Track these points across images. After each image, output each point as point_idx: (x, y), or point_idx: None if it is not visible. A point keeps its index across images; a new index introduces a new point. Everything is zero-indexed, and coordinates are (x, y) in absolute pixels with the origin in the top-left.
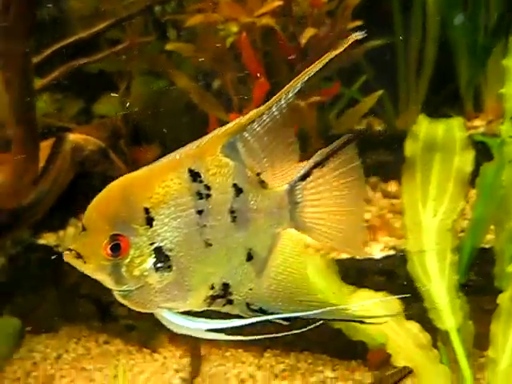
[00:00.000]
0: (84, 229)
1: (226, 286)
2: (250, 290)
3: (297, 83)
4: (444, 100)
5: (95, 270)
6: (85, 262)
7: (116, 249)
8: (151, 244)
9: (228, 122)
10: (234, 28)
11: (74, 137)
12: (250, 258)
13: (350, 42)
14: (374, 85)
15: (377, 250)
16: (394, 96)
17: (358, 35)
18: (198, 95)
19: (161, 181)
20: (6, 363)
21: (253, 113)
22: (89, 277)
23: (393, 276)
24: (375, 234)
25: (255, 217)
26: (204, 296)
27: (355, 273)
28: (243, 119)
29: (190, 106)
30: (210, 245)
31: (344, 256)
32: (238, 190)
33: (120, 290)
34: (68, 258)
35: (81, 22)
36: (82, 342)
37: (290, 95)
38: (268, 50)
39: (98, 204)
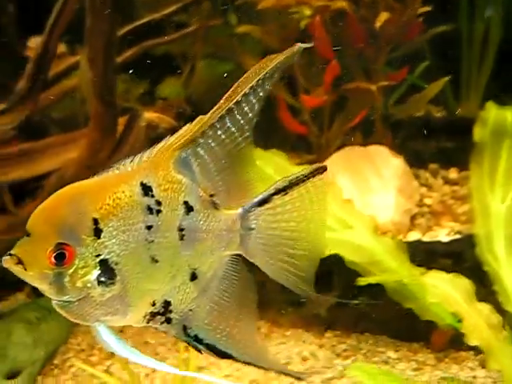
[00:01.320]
0: (28, 234)
1: (167, 303)
2: (190, 310)
3: (243, 88)
4: (504, 87)
5: (36, 278)
6: (25, 269)
7: (60, 258)
8: (97, 256)
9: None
10: (308, 11)
11: (148, 115)
12: (193, 277)
13: (294, 51)
14: (435, 71)
15: (442, 235)
16: (454, 83)
17: (304, 45)
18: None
19: (112, 192)
20: (71, 335)
21: (204, 121)
22: None
23: (460, 259)
24: (439, 219)
25: (203, 237)
26: (144, 312)
27: (423, 255)
28: (194, 127)
29: None
30: (157, 261)
31: (411, 238)
32: (189, 208)
33: (60, 300)
34: (8, 263)
35: (144, 5)
36: None
37: (245, 109)
38: (337, 34)
39: (45, 209)
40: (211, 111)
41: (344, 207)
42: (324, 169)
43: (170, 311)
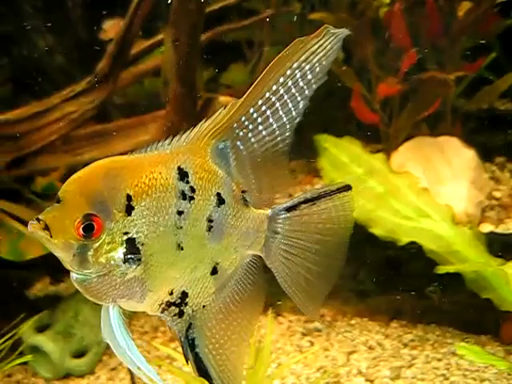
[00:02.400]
0: (58, 200)
1: (184, 294)
2: (204, 307)
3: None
4: None
5: (60, 247)
6: (51, 236)
7: (89, 229)
8: (125, 233)
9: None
10: None
11: (223, 99)
12: (214, 271)
13: (324, 34)
14: (503, 63)
15: None
16: None
17: (336, 30)
18: (337, 67)
19: (149, 172)
20: (134, 317)
21: (238, 106)
22: None
23: None
24: (509, 212)
25: (230, 232)
26: (161, 300)
27: (498, 246)
28: (229, 112)
29: None
30: (182, 249)
31: (487, 229)
32: (221, 201)
33: (79, 273)
34: (34, 228)
35: None
36: None
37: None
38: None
39: (79, 178)
40: (245, 96)
41: (421, 196)
42: (349, 188)
43: (186, 303)
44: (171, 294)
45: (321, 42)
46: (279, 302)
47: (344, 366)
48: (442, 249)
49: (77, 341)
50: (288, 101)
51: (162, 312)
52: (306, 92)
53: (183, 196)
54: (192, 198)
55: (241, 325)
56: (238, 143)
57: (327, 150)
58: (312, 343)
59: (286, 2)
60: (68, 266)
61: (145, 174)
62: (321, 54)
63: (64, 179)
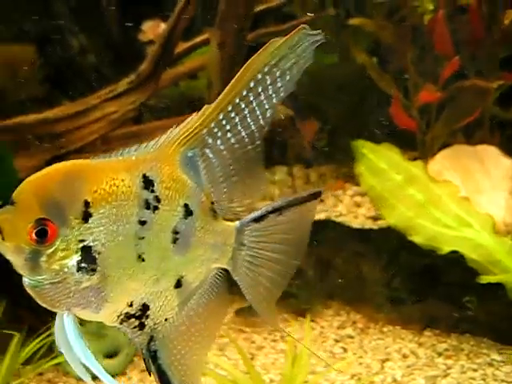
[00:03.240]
0: (12, 202)
1: (145, 307)
2: (166, 320)
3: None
4: None
5: (11, 250)
6: (3, 239)
7: (42, 235)
8: (81, 241)
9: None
10: (431, 6)
11: None
12: (178, 285)
13: (300, 34)
14: None
15: None
16: None
17: (311, 31)
18: (375, 72)
19: (111, 178)
20: None
21: (209, 112)
22: None
23: None
24: None
25: (197, 245)
26: (119, 311)
27: None
28: (199, 119)
29: (352, 83)
30: (143, 260)
31: None
32: (188, 212)
33: (31, 279)
34: None
35: None
36: (233, 307)
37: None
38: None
39: (36, 180)
40: (216, 101)
41: (461, 205)
42: (320, 194)
43: (147, 316)
44: (131, 305)
45: (294, 45)
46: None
47: (378, 373)
48: (483, 258)
49: (109, 341)
50: (256, 108)
51: (120, 323)
52: (274, 100)
53: (147, 205)
54: (156, 208)
55: (203, 335)
56: (207, 151)
57: (365, 156)
58: (345, 349)
59: (322, 7)
60: (20, 271)
61: (106, 179)
62: (292, 61)
63: None
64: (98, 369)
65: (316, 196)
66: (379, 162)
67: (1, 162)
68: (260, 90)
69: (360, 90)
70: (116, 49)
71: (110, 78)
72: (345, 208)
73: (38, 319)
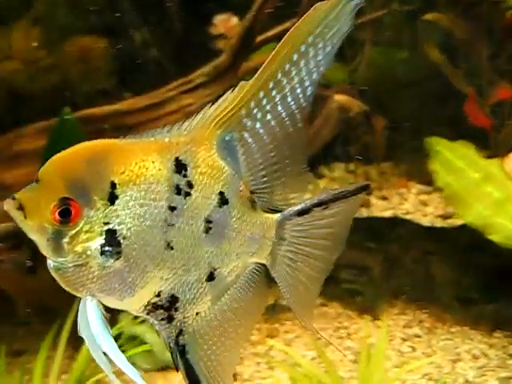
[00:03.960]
0: (37, 180)
1: (174, 298)
2: (197, 314)
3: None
4: None
5: (34, 229)
6: (25, 217)
7: (65, 215)
8: (106, 223)
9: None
10: None
11: (339, 97)
12: (211, 278)
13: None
14: None
15: None
16: None
17: None
18: (449, 70)
19: (140, 159)
20: None
21: (246, 90)
22: None
23: None
24: None
25: (232, 236)
26: (146, 301)
27: None
28: (236, 98)
29: (421, 79)
30: (172, 248)
31: None
32: (224, 201)
33: (55, 261)
34: (8, 206)
35: None
36: None
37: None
38: None
39: (62, 158)
40: (255, 77)
41: None
42: (368, 187)
43: (176, 309)
44: (158, 295)
45: (337, 10)
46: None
47: (450, 373)
48: None
49: None
50: (297, 85)
51: (147, 314)
52: (314, 76)
53: (178, 191)
54: (188, 194)
55: (236, 332)
56: (246, 135)
57: (440, 153)
58: (413, 349)
59: (388, 2)
60: (43, 251)
61: (135, 161)
62: (335, 29)
63: None
64: (120, 359)
65: (363, 189)
66: (455, 159)
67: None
68: (303, 63)
69: (430, 87)
70: (179, 43)
71: (172, 71)
72: (411, 206)
73: None
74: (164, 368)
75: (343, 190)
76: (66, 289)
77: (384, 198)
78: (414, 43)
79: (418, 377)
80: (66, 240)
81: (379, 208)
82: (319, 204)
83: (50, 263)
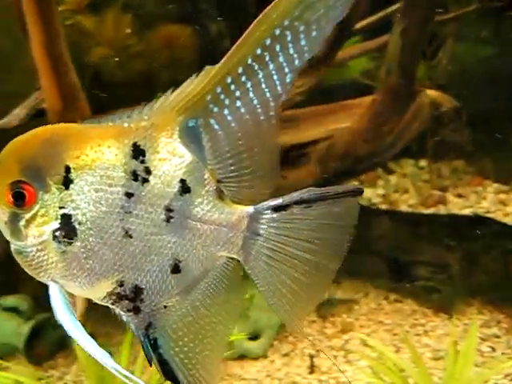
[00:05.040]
0: None
1: (138, 289)
2: (165, 307)
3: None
4: None
5: None
6: None
7: (19, 198)
8: (61, 208)
9: None
10: None
11: (430, 92)
12: (176, 270)
13: None
14: None
15: None
16: None
17: None
18: None
19: (97, 144)
20: None
21: (212, 74)
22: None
23: None
24: None
25: (196, 227)
26: (108, 290)
27: None
28: (201, 83)
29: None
30: (131, 236)
31: None
32: (185, 189)
33: (15, 244)
34: None
35: None
36: (370, 298)
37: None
38: None
39: (19, 141)
40: (222, 61)
41: None
42: (361, 192)
43: (142, 300)
44: (121, 285)
45: None
46: None
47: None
48: None
49: (251, 323)
50: (273, 72)
51: (112, 304)
52: (296, 62)
53: (135, 177)
54: (146, 181)
55: (215, 329)
56: (212, 121)
57: None
58: (493, 349)
59: None
60: (5, 235)
61: (91, 145)
62: (321, 11)
63: None
64: (88, 343)
65: (355, 194)
66: None
67: None
68: (278, 48)
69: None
70: None
71: None
72: (491, 205)
73: None
74: (241, 357)
75: (329, 191)
76: (30, 273)
77: (460, 196)
78: (497, 40)
79: (500, 376)
80: (22, 223)
81: (457, 206)
82: (300, 202)
83: (12, 246)
